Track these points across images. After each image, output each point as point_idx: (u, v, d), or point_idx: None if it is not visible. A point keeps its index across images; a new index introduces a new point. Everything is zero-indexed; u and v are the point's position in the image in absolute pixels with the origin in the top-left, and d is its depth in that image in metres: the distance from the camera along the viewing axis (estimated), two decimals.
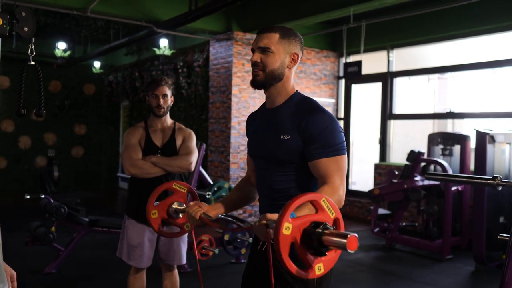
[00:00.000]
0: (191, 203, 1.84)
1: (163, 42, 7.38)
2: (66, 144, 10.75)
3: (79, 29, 8.64)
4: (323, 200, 1.35)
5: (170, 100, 3.11)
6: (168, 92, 3.09)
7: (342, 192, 1.66)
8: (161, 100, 3.06)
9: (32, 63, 2.73)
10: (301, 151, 1.69)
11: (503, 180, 2.25)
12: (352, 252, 1.25)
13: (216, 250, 4.49)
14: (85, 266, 4.79)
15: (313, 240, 1.29)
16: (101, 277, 4.48)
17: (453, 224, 5.60)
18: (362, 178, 8.21)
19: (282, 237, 1.26)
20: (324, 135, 1.66)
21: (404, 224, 6.07)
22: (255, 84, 1.75)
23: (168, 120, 3.18)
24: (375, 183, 7.20)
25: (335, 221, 1.36)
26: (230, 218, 1.28)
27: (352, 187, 8.07)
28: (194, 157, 3.12)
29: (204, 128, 7.78)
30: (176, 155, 3.07)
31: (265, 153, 1.78)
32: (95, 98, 11.11)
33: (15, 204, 8.36)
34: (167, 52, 7.39)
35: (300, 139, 1.69)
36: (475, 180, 2.43)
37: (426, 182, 5.55)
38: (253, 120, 1.93)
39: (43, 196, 4.61)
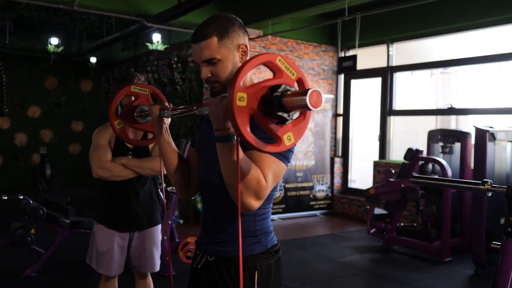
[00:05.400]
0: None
1: (156, 37, 7.19)
2: (63, 141, 10.62)
3: (74, 24, 8.48)
4: (279, 60, 1.18)
5: None
6: None
7: (266, 192, 1.37)
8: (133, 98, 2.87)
9: None
10: None
11: (493, 185, 2.03)
12: (316, 109, 1.07)
13: None
14: (67, 269, 4.62)
15: (273, 106, 1.13)
16: (83, 280, 4.31)
17: (453, 224, 5.37)
18: (362, 176, 7.98)
19: (238, 109, 1.10)
20: None
21: (402, 224, 5.84)
22: (216, 96, 1.55)
23: None
24: (375, 181, 6.98)
25: (299, 82, 1.21)
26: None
27: (351, 185, 7.84)
28: None
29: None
30: (149, 156, 2.89)
31: (210, 147, 1.49)
32: (92, 94, 10.96)
33: (10, 203, 8.23)
34: (160, 47, 7.20)
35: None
36: (462, 185, 2.20)
37: None
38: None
39: (21, 197, 4.45)
